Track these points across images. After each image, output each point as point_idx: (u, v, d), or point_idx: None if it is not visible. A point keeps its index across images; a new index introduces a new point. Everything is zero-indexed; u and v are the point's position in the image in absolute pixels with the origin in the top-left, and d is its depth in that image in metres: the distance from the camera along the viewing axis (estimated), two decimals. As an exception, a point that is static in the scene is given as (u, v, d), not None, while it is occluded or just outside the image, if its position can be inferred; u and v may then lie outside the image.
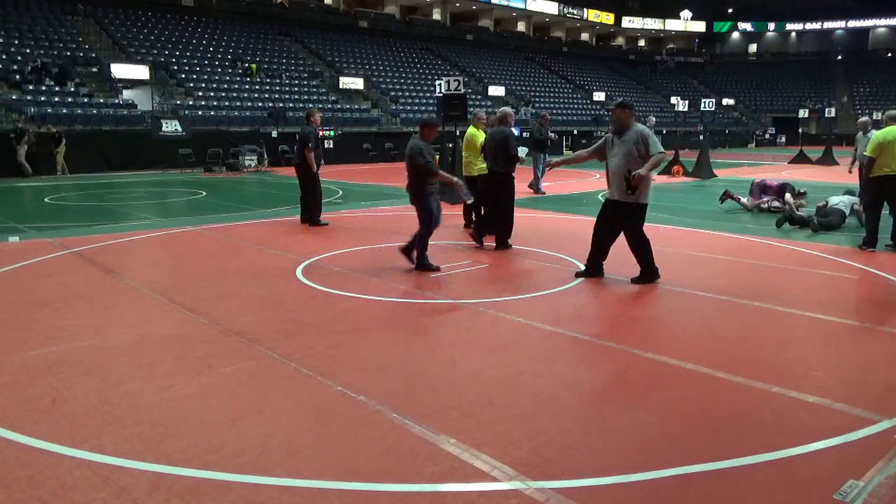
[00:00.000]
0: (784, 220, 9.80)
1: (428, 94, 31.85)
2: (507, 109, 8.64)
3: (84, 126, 20.95)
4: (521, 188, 13.20)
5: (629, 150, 6.17)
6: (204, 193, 14.91)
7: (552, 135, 15.05)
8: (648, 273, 6.34)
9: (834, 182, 16.10)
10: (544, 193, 14.53)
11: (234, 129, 23.83)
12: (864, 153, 8.19)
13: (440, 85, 13.73)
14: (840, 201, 9.95)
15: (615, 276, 6.57)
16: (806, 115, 34.67)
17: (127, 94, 24.37)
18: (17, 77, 22.49)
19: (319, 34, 37.47)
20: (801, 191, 12.01)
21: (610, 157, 6.36)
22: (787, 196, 11.45)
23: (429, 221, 6.80)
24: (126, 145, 21.12)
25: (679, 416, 3.46)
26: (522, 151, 9.50)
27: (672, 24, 60.40)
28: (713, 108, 24.93)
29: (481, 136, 9.03)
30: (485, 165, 8.68)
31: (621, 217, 6.37)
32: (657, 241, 8.17)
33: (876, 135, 7.96)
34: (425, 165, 6.68)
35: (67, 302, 5.63)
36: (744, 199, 11.96)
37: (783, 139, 45.00)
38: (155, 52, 27.72)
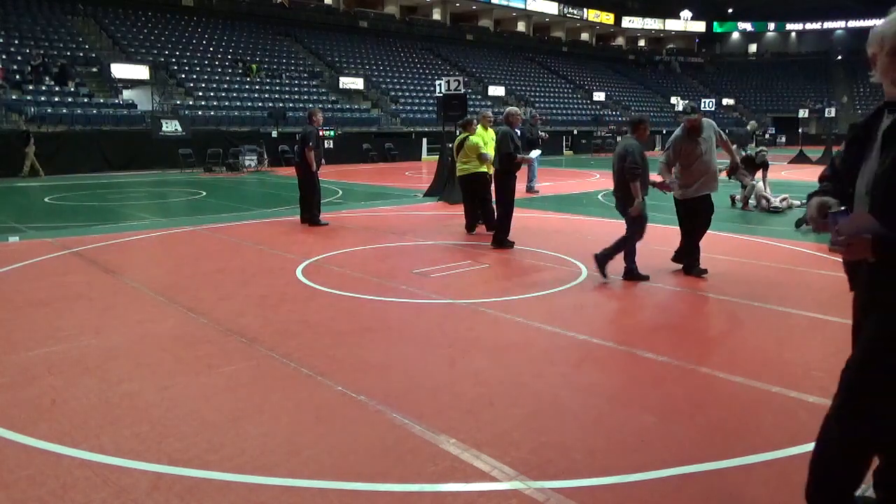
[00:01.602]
0: (803, 221, 9.86)
1: (428, 94, 31.83)
2: (512, 109, 8.65)
3: (84, 126, 20.95)
4: (520, 188, 13.20)
5: (713, 144, 6.67)
6: (204, 193, 14.91)
7: (543, 134, 15.15)
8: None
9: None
10: (538, 192, 14.65)
11: (234, 129, 23.83)
12: None
13: (440, 85, 13.75)
14: None
15: (615, 277, 6.57)
16: (806, 115, 34.67)
17: (127, 94, 24.38)
18: (17, 77, 22.49)
19: (319, 34, 37.46)
20: (754, 132, 12.56)
21: (701, 156, 6.55)
22: (757, 184, 11.97)
23: (637, 230, 6.37)
24: (126, 145, 21.13)
25: (679, 416, 3.46)
26: (535, 153, 9.40)
27: (672, 24, 60.41)
28: (713, 108, 24.93)
29: (476, 137, 9.12)
30: (469, 166, 9.06)
31: (706, 208, 6.67)
32: (658, 241, 8.18)
33: None
34: (632, 169, 6.18)
35: (67, 302, 5.63)
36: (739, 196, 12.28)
37: (783, 139, 45.00)
38: (155, 52, 27.72)
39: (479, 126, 9.50)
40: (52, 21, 27.57)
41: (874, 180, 2.11)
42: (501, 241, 8.13)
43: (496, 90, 37.66)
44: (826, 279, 6.70)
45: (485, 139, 9.11)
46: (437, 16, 47.46)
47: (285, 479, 2.81)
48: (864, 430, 2.23)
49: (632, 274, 6.41)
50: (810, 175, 19.98)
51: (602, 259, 6.41)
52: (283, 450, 3.06)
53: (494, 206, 8.89)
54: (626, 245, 6.40)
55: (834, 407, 2.34)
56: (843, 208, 2.12)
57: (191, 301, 5.63)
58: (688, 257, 6.75)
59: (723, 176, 7.10)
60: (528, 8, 50.66)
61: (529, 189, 14.65)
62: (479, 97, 35.63)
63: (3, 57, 23.30)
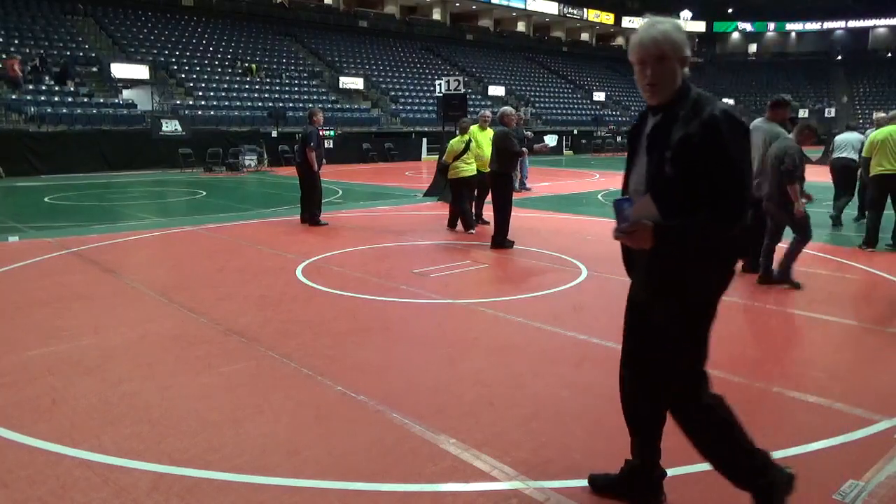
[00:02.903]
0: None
1: (428, 94, 31.82)
2: (507, 109, 8.72)
3: (84, 126, 20.94)
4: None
5: None
6: (204, 193, 14.91)
7: (528, 133, 15.26)
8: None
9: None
10: (529, 189, 14.78)
11: (234, 129, 23.82)
12: (862, 154, 8.36)
13: (440, 85, 13.75)
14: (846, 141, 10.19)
15: (615, 277, 6.57)
16: (806, 115, 34.71)
17: (127, 93, 24.36)
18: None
19: (319, 34, 37.45)
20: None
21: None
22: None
23: (806, 232, 6.12)
24: (126, 145, 21.11)
25: (679, 416, 3.46)
26: (551, 139, 9.63)
27: (672, 24, 60.35)
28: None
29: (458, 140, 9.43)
30: (474, 166, 9.24)
31: None
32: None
33: (870, 135, 8.17)
34: (791, 172, 5.86)
35: (67, 302, 5.63)
36: None
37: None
38: (155, 52, 27.71)
39: (476, 126, 9.65)
40: (52, 21, 27.55)
41: (648, 179, 2.29)
42: (501, 241, 8.13)
43: (496, 90, 37.66)
44: (826, 279, 6.70)
45: (478, 138, 9.35)
46: (437, 16, 47.44)
47: (285, 479, 2.81)
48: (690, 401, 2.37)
49: (786, 275, 6.14)
50: (809, 175, 19.98)
51: (785, 273, 6.17)
52: (283, 450, 3.06)
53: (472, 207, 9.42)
54: (800, 248, 6.15)
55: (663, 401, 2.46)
56: (626, 197, 2.29)
57: (191, 301, 5.63)
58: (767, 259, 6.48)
59: None
60: (528, 8, 50.62)
61: (523, 187, 14.73)
62: (479, 97, 35.62)
63: (3, 57, 23.28)
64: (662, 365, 2.37)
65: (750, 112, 52.01)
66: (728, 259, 2.31)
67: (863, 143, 9.76)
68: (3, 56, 22.76)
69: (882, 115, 10.55)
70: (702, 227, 2.16)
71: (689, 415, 2.38)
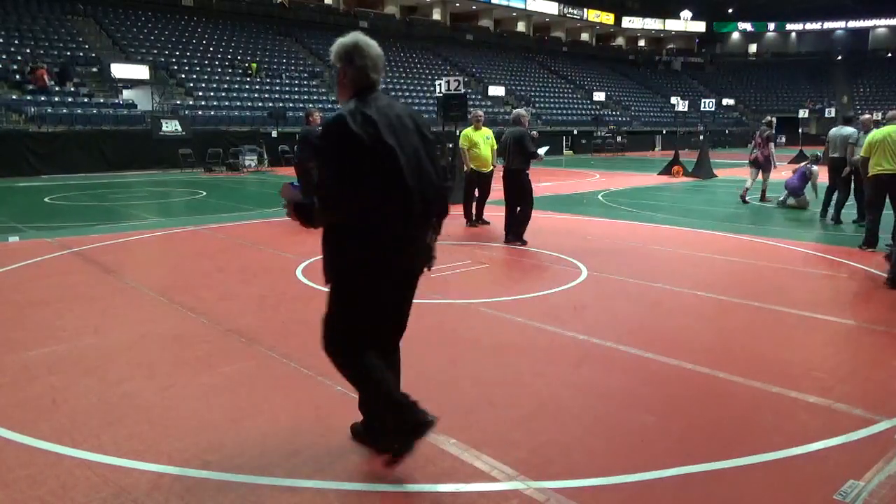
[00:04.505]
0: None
1: (428, 95, 31.82)
2: (521, 111, 9.40)
3: (84, 126, 20.94)
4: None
5: None
6: (204, 193, 14.91)
7: (534, 133, 15.33)
8: None
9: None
10: None
11: (234, 129, 23.81)
12: (860, 154, 8.32)
13: (440, 85, 13.75)
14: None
15: (616, 277, 6.57)
16: (806, 115, 34.71)
17: (127, 94, 24.35)
18: (18, 77, 22.49)
19: (319, 34, 37.42)
20: (816, 154, 12.64)
21: None
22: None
23: None
24: (126, 145, 21.10)
25: (679, 416, 3.46)
26: (543, 150, 9.91)
27: (672, 24, 60.37)
28: (713, 108, 24.92)
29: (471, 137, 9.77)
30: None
31: None
32: (657, 241, 8.18)
33: (869, 135, 8.14)
34: None
35: (67, 302, 5.63)
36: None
37: (783, 139, 44.97)
38: (155, 52, 27.70)
39: (470, 128, 10.03)
40: (52, 21, 27.54)
41: None
42: (522, 232, 8.42)
43: (496, 90, 37.61)
44: (826, 279, 6.71)
45: (473, 139, 9.68)
46: (437, 16, 47.43)
47: (285, 479, 2.81)
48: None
49: None
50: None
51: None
52: (282, 450, 3.06)
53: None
54: None
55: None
56: (295, 181, 2.52)
57: (191, 301, 5.63)
58: None
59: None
60: (528, 8, 50.61)
61: None
62: (479, 97, 35.61)
63: (4, 57, 23.30)
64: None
65: (750, 112, 52.15)
66: (374, 258, 2.71)
67: (856, 140, 9.82)
68: (3, 56, 22.75)
69: (867, 116, 10.59)
70: (310, 210, 2.61)
71: (347, 374, 2.83)
